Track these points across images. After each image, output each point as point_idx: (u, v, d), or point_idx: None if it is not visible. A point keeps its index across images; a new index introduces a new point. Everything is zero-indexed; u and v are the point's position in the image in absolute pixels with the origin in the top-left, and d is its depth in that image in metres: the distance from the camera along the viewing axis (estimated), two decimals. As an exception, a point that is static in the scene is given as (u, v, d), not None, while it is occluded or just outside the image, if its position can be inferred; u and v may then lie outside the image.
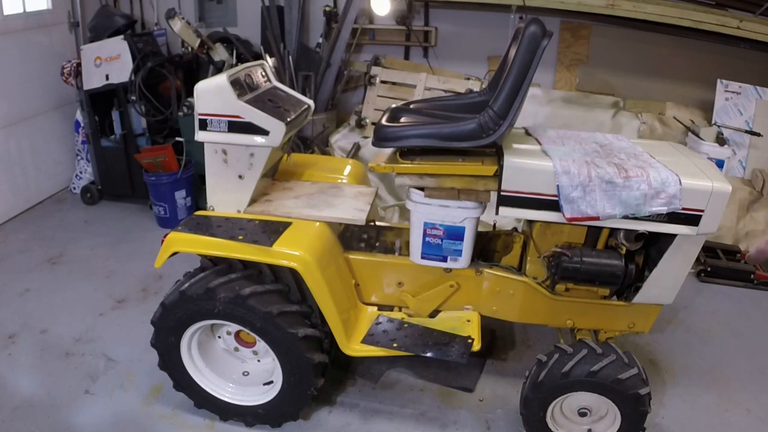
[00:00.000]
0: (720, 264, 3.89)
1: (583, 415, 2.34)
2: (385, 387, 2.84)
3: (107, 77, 4.41)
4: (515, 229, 2.72)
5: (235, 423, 2.59)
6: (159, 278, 3.71)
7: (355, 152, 4.55)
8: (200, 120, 2.39)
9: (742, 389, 2.91)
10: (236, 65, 4.18)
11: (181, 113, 4.35)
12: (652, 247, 2.38)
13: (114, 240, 4.27)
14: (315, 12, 5.12)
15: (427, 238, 2.41)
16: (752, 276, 3.83)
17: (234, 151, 2.45)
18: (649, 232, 2.23)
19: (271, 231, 2.35)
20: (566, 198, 2.12)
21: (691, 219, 2.13)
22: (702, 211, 2.11)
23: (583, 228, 2.39)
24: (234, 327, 2.49)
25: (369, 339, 2.44)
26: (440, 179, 2.29)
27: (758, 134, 4.22)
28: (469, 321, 2.53)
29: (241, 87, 2.44)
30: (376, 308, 2.65)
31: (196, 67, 4.87)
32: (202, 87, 2.38)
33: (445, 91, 4.79)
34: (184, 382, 2.54)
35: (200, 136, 2.42)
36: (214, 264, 2.43)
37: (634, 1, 4.13)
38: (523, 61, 2.14)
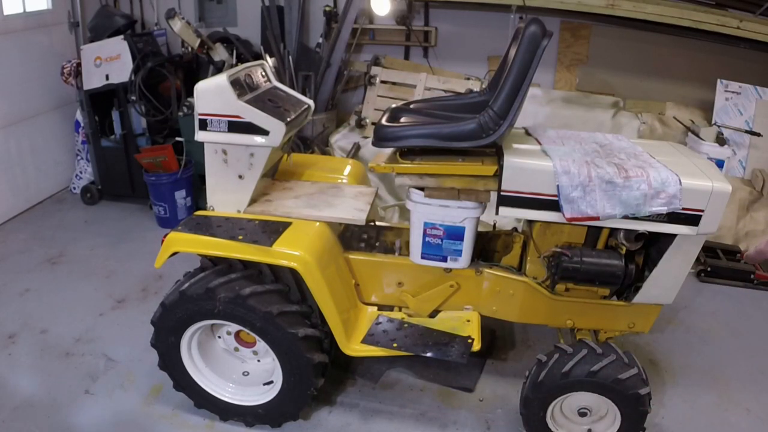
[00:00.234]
0: (720, 264, 3.89)
1: (583, 415, 2.34)
2: (385, 387, 2.84)
3: (107, 77, 4.41)
4: (515, 229, 2.72)
5: (235, 423, 2.59)
6: (159, 278, 3.71)
7: (355, 152, 4.55)
8: (200, 120, 2.39)
9: (742, 389, 2.91)
10: (236, 65, 4.18)
11: (181, 113, 4.35)
12: (652, 247, 2.38)
13: (114, 240, 4.27)
14: (315, 12, 5.12)
15: (427, 238, 2.41)
16: (752, 276, 3.83)
17: (234, 151, 2.45)
18: (649, 232, 2.23)
19: (271, 231, 2.35)
20: (566, 198, 2.12)
21: (691, 219, 2.13)
22: (702, 211, 2.11)
23: (583, 228, 2.39)
24: (234, 327, 2.49)
25: (369, 339, 2.44)
26: (440, 179, 2.29)
27: (758, 134, 4.22)
28: (469, 321, 2.53)
29: (241, 87, 2.44)
30: (376, 308, 2.65)
31: (196, 67, 4.87)
32: (202, 87, 2.38)
33: (445, 91, 4.79)
34: (184, 382, 2.54)
35: (200, 136, 2.42)
36: (214, 264, 2.43)
37: (634, 1, 4.13)
38: (523, 61, 2.14)
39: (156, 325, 2.42)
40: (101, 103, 4.57)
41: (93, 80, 4.45)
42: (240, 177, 2.49)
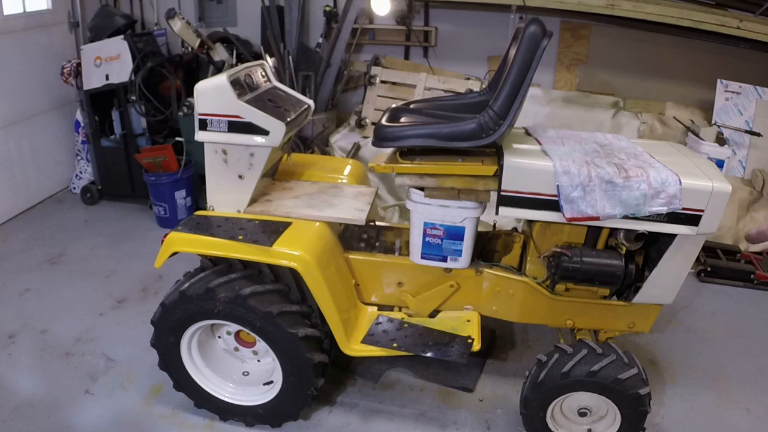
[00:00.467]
0: (720, 264, 3.89)
1: (583, 415, 2.34)
2: (385, 387, 2.84)
3: (107, 77, 4.42)
4: (515, 229, 2.72)
5: (235, 423, 2.59)
6: (159, 278, 3.71)
7: (355, 152, 4.55)
8: (200, 120, 2.39)
9: (742, 389, 2.91)
10: (236, 65, 4.18)
11: (181, 113, 4.35)
12: (652, 247, 2.38)
13: (114, 240, 4.28)
14: (315, 12, 5.12)
15: (427, 238, 2.41)
16: (752, 276, 3.83)
17: (234, 151, 2.45)
18: (649, 232, 2.23)
19: (271, 231, 2.35)
20: (566, 198, 2.12)
21: (691, 219, 2.13)
22: (702, 211, 2.11)
23: (583, 228, 2.39)
24: (234, 327, 2.49)
25: (369, 339, 2.44)
26: (440, 179, 2.29)
27: (758, 134, 4.22)
28: (469, 321, 2.53)
29: (241, 87, 2.44)
30: (376, 308, 2.65)
31: (196, 67, 4.87)
32: (202, 87, 2.38)
33: (445, 91, 4.79)
34: (184, 382, 2.54)
35: (200, 136, 2.42)
36: (214, 264, 2.43)
37: (634, 1, 4.13)
38: (523, 61, 2.14)
39: (156, 325, 2.42)
40: (101, 103, 4.57)
41: (93, 80, 4.46)
42: (240, 177, 2.49)
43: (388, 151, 2.44)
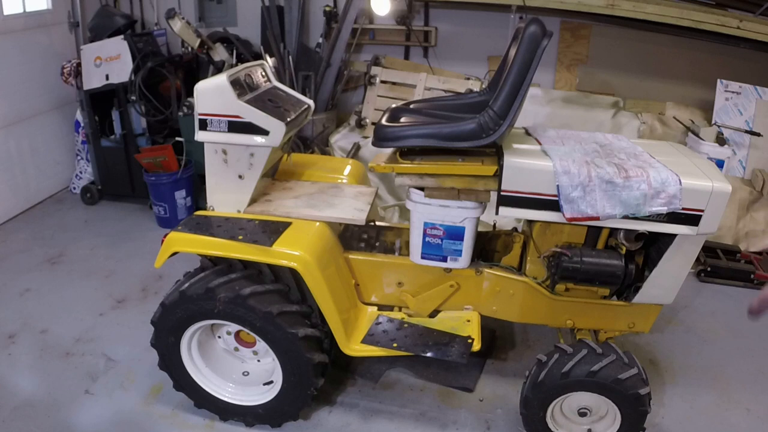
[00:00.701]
0: (720, 264, 3.89)
1: (583, 415, 2.34)
2: (385, 387, 2.84)
3: (107, 77, 4.42)
4: (515, 229, 2.72)
5: (235, 423, 2.59)
6: (159, 278, 3.71)
7: (355, 152, 4.55)
8: (200, 120, 2.39)
9: (742, 389, 2.91)
10: (236, 65, 4.18)
11: (181, 113, 4.35)
12: (652, 247, 2.38)
13: (114, 240, 4.28)
14: (315, 12, 5.12)
15: (427, 238, 2.41)
16: (752, 276, 3.83)
17: (234, 151, 2.45)
18: (649, 232, 2.23)
19: (271, 231, 2.35)
20: (566, 198, 2.12)
21: (691, 219, 2.13)
22: (702, 211, 2.11)
23: (583, 228, 2.39)
24: (234, 327, 2.48)
25: (369, 339, 2.44)
26: (440, 179, 2.29)
27: (758, 134, 4.22)
28: (469, 321, 2.53)
29: (241, 87, 2.44)
30: (376, 308, 2.65)
31: (196, 67, 4.87)
32: (202, 87, 2.38)
33: (445, 91, 4.79)
34: (184, 382, 2.54)
35: (200, 136, 2.42)
36: (214, 264, 2.43)
37: (634, 1, 4.13)
38: (523, 61, 2.14)
39: (156, 325, 2.42)
40: (101, 103, 4.57)
41: (93, 80, 4.46)
42: (240, 177, 2.49)
43: (388, 151, 2.44)
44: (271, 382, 2.52)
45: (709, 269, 3.88)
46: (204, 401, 2.57)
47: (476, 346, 2.38)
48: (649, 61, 4.74)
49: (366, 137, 4.67)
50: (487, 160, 2.30)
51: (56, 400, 2.71)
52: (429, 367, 2.93)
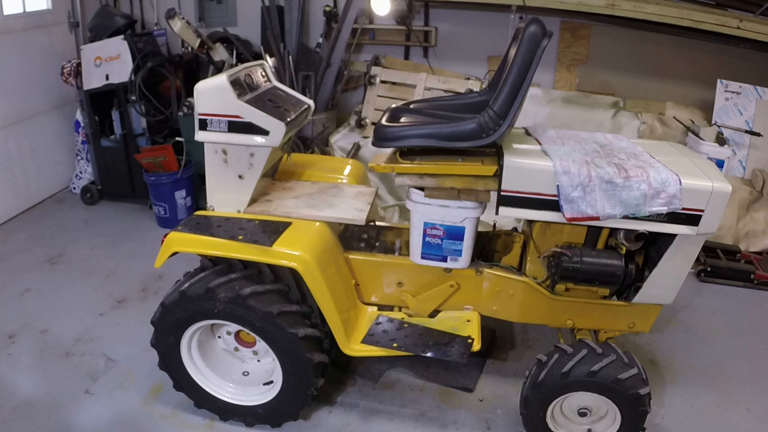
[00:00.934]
0: (720, 264, 3.89)
1: (583, 415, 2.34)
2: (385, 387, 2.84)
3: (107, 77, 4.42)
4: (515, 229, 2.72)
5: (235, 423, 2.59)
6: (159, 278, 3.71)
7: (355, 152, 4.55)
8: (200, 120, 2.39)
9: (742, 389, 2.91)
10: (236, 65, 4.18)
11: (181, 113, 4.35)
12: (652, 247, 2.38)
13: (114, 240, 4.28)
14: (315, 12, 5.12)
15: (427, 238, 2.41)
16: (752, 276, 3.83)
17: (234, 151, 2.45)
18: (649, 232, 2.23)
19: (271, 231, 2.35)
20: (566, 198, 2.12)
21: (691, 219, 2.13)
22: (702, 211, 2.11)
23: (583, 228, 2.39)
24: (234, 327, 2.48)
25: (369, 339, 2.44)
26: (440, 179, 2.29)
27: (758, 134, 4.22)
28: (469, 321, 2.53)
29: (241, 87, 2.44)
30: (376, 308, 2.65)
31: (196, 67, 4.87)
32: (202, 87, 2.38)
33: (445, 91, 4.79)
34: (184, 382, 2.54)
35: (200, 136, 2.42)
36: (214, 264, 2.43)
37: (634, 1, 4.13)
38: (523, 61, 2.14)
39: (156, 325, 2.42)
40: (101, 103, 4.57)
41: (93, 80, 4.46)
42: (240, 177, 2.49)
43: (388, 151, 2.44)
44: (271, 382, 2.52)
45: (709, 269, 3.88)
46: (204, 401, 2.57)
47: (476, 346, 2.38)
48: (649, 61, 4.75)
49: (366, 137, 4.67)
50: (487, 160, 2.30)
51: (56, 400, 2.71)
52: (429, 367, 2.93)
